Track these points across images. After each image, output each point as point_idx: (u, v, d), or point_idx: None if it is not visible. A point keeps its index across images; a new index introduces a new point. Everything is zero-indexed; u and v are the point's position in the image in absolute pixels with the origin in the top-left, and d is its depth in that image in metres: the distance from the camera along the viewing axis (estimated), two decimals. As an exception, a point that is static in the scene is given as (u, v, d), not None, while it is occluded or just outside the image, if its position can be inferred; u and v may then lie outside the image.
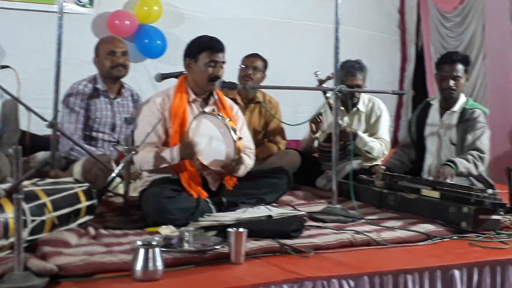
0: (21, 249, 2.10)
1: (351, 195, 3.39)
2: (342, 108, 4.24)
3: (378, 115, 4.41)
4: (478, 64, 6.05)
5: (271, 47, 5.65)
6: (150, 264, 2.14)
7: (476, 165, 3.72)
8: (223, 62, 3.33)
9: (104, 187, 3.03)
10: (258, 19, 6.13)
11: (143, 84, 5.31)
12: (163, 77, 3.81)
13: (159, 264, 2.16)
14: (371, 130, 4.40)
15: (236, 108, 3.57)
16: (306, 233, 2.81)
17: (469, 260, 2.51)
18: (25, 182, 2.31)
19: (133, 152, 3.03)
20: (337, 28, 3.38)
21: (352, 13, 6.21)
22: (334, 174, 3.34)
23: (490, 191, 3.03)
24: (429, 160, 4.06)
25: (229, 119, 3.15)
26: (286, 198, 3.69)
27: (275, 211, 3.01)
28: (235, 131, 3.09)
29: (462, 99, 4.03)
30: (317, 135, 4.31)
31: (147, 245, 2.18)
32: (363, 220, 3.16)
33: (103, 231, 2.81)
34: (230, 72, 3.94)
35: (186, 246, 2.45)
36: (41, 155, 3.85)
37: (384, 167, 3.85)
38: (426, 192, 3.29)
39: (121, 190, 3.34)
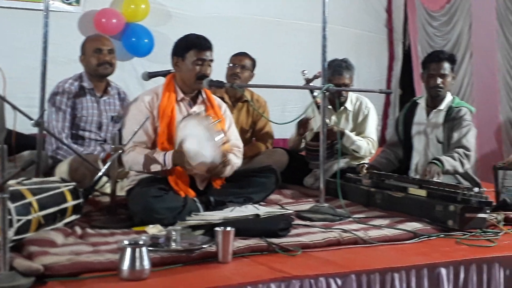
0: (6, 249, 2.09)
1: (338, 193, 3.39)
2: (330, 107, 4.25)
3: (366, 114, 4.42)
4: (465, 63, 6.09)
5: (259, 46, 5.65)
6: (137, 264, 2.14)
7: (462, 163, 3.74)
8: (211, 60, 3.33)
9: (90, 186, 3.02)
10: (246, 18, 6.13)
11: (130, 82, 5.29)
12: (150, 75, 3.80)
13: (146, 264, 2.15)
14: (359, 129, 4.41)
15: (224, 106, 3.56)
16: (293, 232, 2.82)
17: (456, 258, 2.52)
18: (11, 182, 2.29)
19: (120, 151, 3.02)
20: (324, 27, 3.38)
21: (339, 12, 6.23)
22: (322, 173, 3.34)
23: (476, 189, 3.04)
24: (416, 159, 4.07)
25: (216, 122, 3.13)
26: (274, 197, 3.69)
27: (263, 210, 3.01)
28: (221, 134, 3.09)
29: (448, 97, 4.05)
30: (305, 134, 4.31)
31: (134, 245, 2.17)
32: (351, 219, 3.17)
33: (89, 231, 2.80)
34: (218, 71, 3.94)
35: (173, 245, 2.44)
36: (27, 154, 3.82)
37: (367, 165, 3.86)
38: (413, 190, 3.30)
39: (108, 189, 3.32)
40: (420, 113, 4.11)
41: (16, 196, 2.48)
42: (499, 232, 2.92)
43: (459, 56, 6.04)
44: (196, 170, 3.17)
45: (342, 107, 4.39)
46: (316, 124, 4.29)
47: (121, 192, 3.29)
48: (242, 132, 4.26)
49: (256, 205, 3.17)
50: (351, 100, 4.45)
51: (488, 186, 3.63)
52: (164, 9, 5.77)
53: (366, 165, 3.88)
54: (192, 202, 3.10)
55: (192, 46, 3.29)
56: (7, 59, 4.55)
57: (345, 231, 2.82)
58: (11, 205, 2.39)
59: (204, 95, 3.42)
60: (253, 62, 4.49)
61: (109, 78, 4.08)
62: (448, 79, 3.99)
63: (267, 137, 4.50)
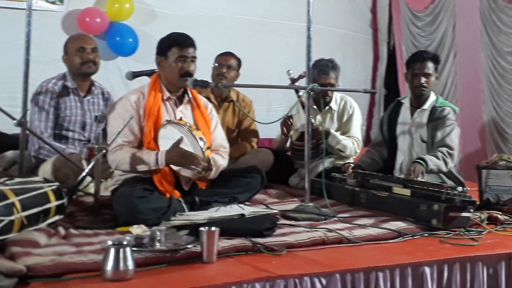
0: (-12, 250, 2.06)
1: (323, 193, 3.39)
2: (315, 106, 4.26)
3: (350, 114, 4.44)
4: (449, 63, 6.13)
5: (245, 46, 5.65)
6: (121, 264, 2.12)
7: (445, 162, 3.77)
8: (194, 57, 3.31)
9: (74, 186, 2.99)
10: (231, 17, 6.13)
11: (114, 82, 5.27)
12: (134, 75, 3.78)
13: (130, 264, 2.14)
14: (344, 128, 4.42)
15: (210, 106, 3.55)
16: (278, 231, 2.82)
17: (439, 257, 2.52)
18: (-7, 182, 2.27)
19: (103, 151, 3.00)
20: (309, 27, 3.39)
21: (324, 12, 6.24)
22: (307, 172, 3.35)
23: (460, 188, 3.06)
24: (401, 158, 4.09)
25: (196, 129, 3.12)
26: (259, 196, 3.69)
27: (248, 210, 3.00)
28: (203, 140, 3.08)
29: (432, 97, 4.07)
30: (289, 135, 4.31)
31: (118, 245, 2.15)
32: (335, 218, 3.18)
33: (73, 231, 2.78)
34: (204, 71, 3.93)
35: (157, 246, 2.43)
36: (10, 154, 3.79)
37: (352, 165, 3.87)
38: (398, 190, 3.32)
39: (92, 189, 3.30)
40: (405, 113, 4.14)
41: (-1, 196, 2.46)
42: (482, 231, 2.94)
43: (443, 56, 6.08)
44: (181, 173, 3.16)
45: (327, 107, 4.40)
46: (301, 123, 4.30)
47: (105, 192, 3.27)
48: (228, 132, 4.26)
49: (241, 205, 3.16)
50: (336, 100, 4.46)
51: (472, 185, 3.65)
52: (148, 8, 5.75)
53: (352, 165, 3.89)
54: (177, 203, 3.09)
55: (173, 44, 3.28)
56: (-11, 59, 4.54)
57: (330, 230, 2.82)
58: (-7, 206, 2.36)
59: (190, 95, 3.41)
60: (239, 62, 4.48)
61: (93, 78, 4.06)
62: (431, 79, 4.01)
63: (253, 137, 4.50)
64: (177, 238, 2.59)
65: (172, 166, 3.15)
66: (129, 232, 2.75)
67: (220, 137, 3.49)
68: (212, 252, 2.37)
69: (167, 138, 3.12)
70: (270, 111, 6.06)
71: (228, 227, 2.67)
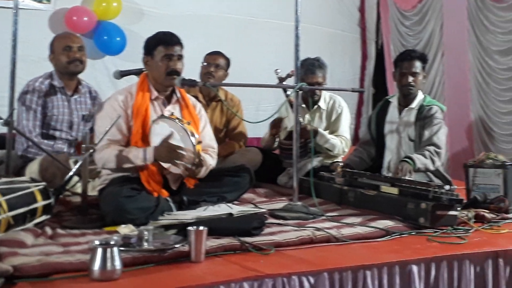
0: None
1: (311, 192, 3.40)
2: (303, 105, 4.26)
3: (339, 113, 4.44)
4: (437, 62, 6.16)
5: (233, 45, 5.63)
6: (108, 264, 2.11)
7: (433, 161, 3.78)
8: (180, 56, 3.30)
9: (61, 186, 2.97)
10: (219, 17, 6.12)
11: (102, 81, 5.25)
12: (122, 74, 3.75)
13: (118, 264, 2.13)
14: (332, 127, 4.43)
15: (199, 106, 3.54)
16: (267, 230, 2.81)
17: (427, 256, 2.53)
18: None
19: (91, 150, 2.98)
20: (297, 26, 3.39)
21: (313, 11, 6.25)
22: (295, 171, 3.35)
23: (447, 187, 3.07)
24: (389, 157, 4.11)
25: (187, 123, 3.11)
26: (247, 196, 3.69)
27: (236, 209, 3.00)
28: (194, 135, 3.06)
29: (420, 96, 4.09)
30: (278, 135, 4.32)
31: (105, 245, 2.14)
32: (324, 217, 3.18)
33: (60, 231, 2.76)
34: (192, 70, 3.92)
35: (145, 245, 2.42)
36: (-4, 154, 3.77)
37: (341, 164, 3.88)
38: (385, 188, 3.33)
39: (79, 189, 3.28)
40: (392, 112, 4.15)
41: (-15, 196, 2.45)
42: (469, 229, 2.95)
43: (431, 55, 6.11)
44: (172, 170, 3.14)
45: (316, 106, 4.40)
46: (290, 122, 4.30)
47: (92, 192, 3.25)
48: (216, 131, 4.25)
49: (229, 204, 3.16)
50: (325, 99, 4.47)
51: (459, 184, 3.67)
52: (136, 7, 5.73)
53: (341, 164, 3.89)
54: (165, 202, 3.08)
55: (159, 43, 3.27)
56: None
57: (318, 229, 2.82)
58: (-21, 206, 2.35)
59: (178, 94, 3.39)
60: (227, 61, 4.48)
61: (80, 76, 4.04)
62: (419, 78, 4.03)
63: (241, 136, 4.49)
64: (165, 238, 2.58)
65: (164, 164, 3.12)
66: (116, 232, 2.74)
67: (208, 137, 3.48)
68: (200, 251, 2.37)
69: (159, 134, 3.10)
70: (259, 110, 6.06)
71: (216, 227, 2.66)
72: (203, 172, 3.26)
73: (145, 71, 3.40)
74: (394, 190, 3.26)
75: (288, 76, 3.81)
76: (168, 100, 3.36)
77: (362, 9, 7.12)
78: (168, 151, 3.06)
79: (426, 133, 3.92)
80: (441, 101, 5.75)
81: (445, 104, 5.13)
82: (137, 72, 3.52)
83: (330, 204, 3.54)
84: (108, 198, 3.00)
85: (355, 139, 6.45)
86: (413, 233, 2.89)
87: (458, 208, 3.03)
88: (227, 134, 4.50)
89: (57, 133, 3.88)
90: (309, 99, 4.19)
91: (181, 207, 3.13)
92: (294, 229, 2.85)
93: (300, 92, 3.40)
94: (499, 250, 2.66)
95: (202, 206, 3.09)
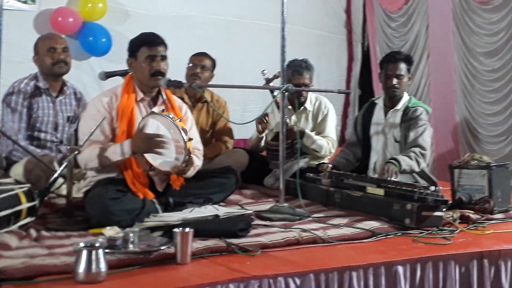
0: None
1: (298, 193, 3.40)
2: (290, 107, 4.27)
3: (325, 114, 4.46)
4: (423, 64, 6.19)
5: (219, 46, 5.64)
6: (93, 266, 2.09)
7: (418, 162, 3.80)
8: (164, 56, 3.28)
9: (46, 188, 2.95)
10: (206, 17, 6.11)
11: (87, 82, 5.22)
12: (107, 75, 3.74)
13: (103, 266, 2.12)
14: (318, 128, 4.44)
15: (185, 108, 3.52)
16: (253, 232, 2.81)
17: (412, 256, 2.54)
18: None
19: (76, 152, 2.96)
20: (283, 27, 3.39)
21: (299, 13, 6.26)
22: (281, 172, 3.35)
23: (432, 188, 3.08)
24: (375, 158, 4.12)
25: (179, 120, 3.10)
26: (234, 197, 3.69)
27: (222, 211, 2.99)
28: (185, 132, 3.04)
29: (405, 97, 4.11)
30: (264, 134, 4.32)
31: (90, 247, 2.13)
32: (310, 218, 3.18)
33: (45, 233, 2.74)
34: (178, 71, 3.91)
35: (130, 247, 2.40)
36: (-19, 156, 3.74)
37: (330, 165, 3.88)
38: (371, 189, 3.33)
39: (64, 191, 3.26)
40: (378, 113, 4.17)
41: (-32, 198, 2.43)
42: (455, 230, 2.96)
43: (417, 56, 6.15)
44: (161, 168, 3.11)
45: (302, 107, 4.41)
46: (276, 123, 4.30)
47: (77, 194, 3.24)
48: (202, 132, 4.24)
49: (215, 206, 3.16)
50: (311, 100, 4.48)
51: (445, 185, 3.69)
52: (122, 8, 5.71)
53: (330, 165, 3.90)
54: (150, 204, 3.07)
55: (142, 44, 3.25)
56: (-40, 59, 4.45)
57: (304, 230, 2.82)
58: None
59: (164, 96, 3.38)
60: (213, 62, 4.47)
61: (66, 77, 4.02)
62: (404, 80, 4.04)
63: (227, 138, 4.49)
64: (151, 240, 2.57)
65: (151, 161, 3.08)
66: (101, 234, 2.72)
67: (195, 139, 3.45)
68: (186, 253, 2.36)
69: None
70: (246, 112, 6.06)
71: (202, 228, 2.66)
72: (190, 172, 3.24)
73: (131, 73, 3.39)
74: (380, 191, 3.27)
75: (275, 77, 3.82)
76: (154, 102, 3.35)
77: (348, 11, 7.14)
78: (144, 141, 3.02)
79: (411, 135, 3.93)
80: (427, 103, 5.79)
81: (430, 106, 5.17)
82: (122, 73, 3.50)
83: (316, 205, 3.54)
84: (94, 200, 2.98)
85: (342, 140, 6.47)
86: (399, 234, 2.90)
87: (444, 209, 3.04)
88: (214, 136, 4.50)
89: (42, 135, 3.85)
90: (295, 100, 4.19)
91: (167, 208, 3.11)
92: (281, 230, 2.85)
93: (286, 93, 3.40)
94: (484, 251, 2.67)
95: (188, 207, 3.08)
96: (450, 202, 3.26)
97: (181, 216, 2.83)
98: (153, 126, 3.07)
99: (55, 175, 2.97)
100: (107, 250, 2.27)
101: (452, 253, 2.62)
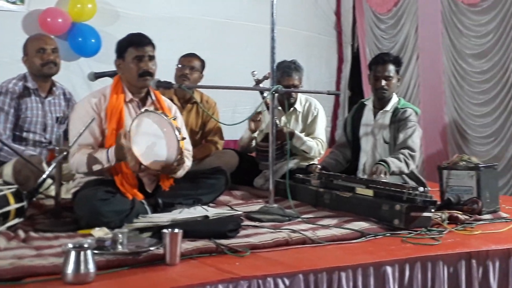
0: None
1: (287, 194, 3.40)
2: (280, 108, 4.27)
3: (315, 115, 4.46)
4: (412, 65, 6.22)
5: (209, 47, 5.64)
6: (82, 267, 2.09)
7: (407, 164, 3.81)
8: (152, 56, 3.27)
9: (34, 188, 2.94)
10: (195, 18, 6.11)
11: (77, 83, 5.21)
12: (96, 76, 3.73)
13: (91, 267, 2.11)
14: (308, 129, 4.45)
15: (174, 108, 3.52)
16: (242, 232, 2.81)
17: (401, 257, 2.55)
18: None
19: (64, 153, 2.95)
20: (273, 29, 3.39)
21: (289, 14, 6.28)
22: (271, 173, 3.35)
23: (421, 189, 3.09)
24: (364, 159, 4.13)
25: (173, 119, 3.09)
26: (223, 198, 3.68)
27: (212, 211, 2.99)
28: (179, 130, 3.04)
29: (394, 99, 4.12)
30: (255, 134, 4.32)
31: (79, 248, 2.13)
32: (299, 219, 3.18)
33: (33, 234, 2.73)
34: (167, 72, 3.90)
35: (119, 248, 2.40)
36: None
37: (319, 166, 3.89)
38: (361, 190, 3.34)
39: (53, 192, 3.24)
40: (367, 115, 4.18)
41: (-44, 199, 2.41)
42: (443, 231, 2.97)
43: (406, 58, 6.18)
44: (151, 167, 3.09)
45: (292, 108, 4.42)
46: (266, 124, 4.30)
47: (66, 195, 3.22)
48: (192, 133, 4.24)
49: (205, 207, 3.16)
50: (301, 101, 4.48)
51: (434, 185, 3.71)
52: (111, 9, 5.70)
53: (319, 166, 3.91)
54: (140, 205, 3.06)
55: (129, 45, 3.25)
56: None
57: (293, 231, 2.83)
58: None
59: (153, 97, 3.37)
60: (202, 63, 4.46)
61: (55, 78, 4.00)
62: (393, 81, 4.06)
63: (217, 139, 4.48)
64: (140, 241, 2.56)
65: (142, 160, 3.05)
66: (90, 235, 2.71)
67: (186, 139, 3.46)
68: (175, 254, 2.36)
69: (143, 134, 3.05)
70: (236, 113, 6.05)
71: (192, 229, 2.66)
72: (180, 172, 3.24)
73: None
74: (369, 192, 3.28)
75: (265, 78, 3.83)
76: (143, 103, 3.34)
77: (338, 13, 7.16)
78: (117, 150, 3.00)
79: (401, 136, 3.95)
80: (416, 104, 5.82)
81: (420, 107, 5.19)
82: (112, 74, 3.49)
83: (306, 206, 3.55)
84: (83, 201, 2.98)
85: (331, 141, 6.49)
86: (388, 234, 2.91)
87: (432, 210, 3.05)
88: (203, 137, 4.49)
89: (30, 136, 3.83)
90: (285, 102, 4.20)
91: (156, 209, 3.11)
92: (270, 231, 2.85)
93: (276, 94, 3.40)
94: (472, 251, 2.69)
95: (178, 208, 3.08)
96: (438, 202, 3.27)
97: (170, 217, 2.83)
98: (147, 124, 3.06)
99: (44, 176, 2.95)
100: (95, 251, 2.27)
101: (440, 253, 2.63)
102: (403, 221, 2.96)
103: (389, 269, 2.48)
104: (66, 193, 3.24)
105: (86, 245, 2.16)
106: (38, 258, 2.33)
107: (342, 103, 7.19)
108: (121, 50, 3.27)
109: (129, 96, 3.28)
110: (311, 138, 4.38)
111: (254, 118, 4.19)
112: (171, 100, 3.80)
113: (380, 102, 4.11)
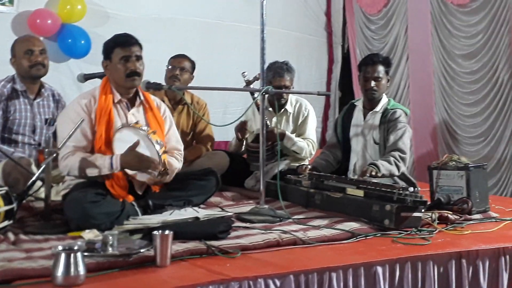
0: None
1: (278, 195, 3.40)
2: (270, 109, 4.27)
3: (306, 116, 4.47)
4: (402, 65, 6.24)
5: (199, 48, 5.64)
6: (72, 269, 2.08)
7: (397, 166, 3.81)
8: (139, 56, 3.25)
9: (24, 191, 2.92)
10: (185, 19, 6.10)
11: (66, 85, 5.19)
12: (86, 77, 3.72)
13: (81, 269, 2.10)
14: (299, 130, 4.45)
15: (164, 107, 3.50)
16: (233, 234, 2.81)
17: (392, 257, 2.55)
18: None
19: (54, 155, 2.94)
20: (262, 29, 3.38)
21: (279, 15, 6.29)
22: (262, 174, 3.35)
23: (411, 189, 3.09)
24: (354, 160, 4.14)
25: (153, 132, 3.09)
26: (214, 199, 3.68)
27: (202, 213, 2.99)
28: (160, 145, 3.04)
29: (384, 99, 4.13)
30: (244, 140, 4.32)
31: (69, 250, 2.12)
32: (290, 220, 3.18)
33: (23, 237, 2.72)
34: (157, 73, 3.89)
35: (110, 250, 2.39)
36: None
37: (309, 167, 3.89)
38: (351, 191, 3.34)
39: (42, 194, 3.23)
40: (358, 115, 4.18)
41: None
42: (433, 231, 2.98)
43: (396, 58, 6.20)
44: (137, 178, 3.11)
45: (282, 109, 4.42)
46: (256, 125, 4.30)
47: (56, 197, 3.21)
48: (183, 135, 4.22)
49: (195, 208, 3.15)
50: (291, 102, 4.49)
51: (424, 185, 3.72)
52: (101, 10, 5.67)
53: (309, 167, 3.90)
54: (130, 207, 3.05)
55: (116, 45, 3.23)
56: None
57: (284, 232, 2.83)
58: None
59: (142, 97, 3.35)
60: (193, 64, 4.46)
61: (45, 80, 3.98)
62: (382, 82, 4.06)
63: (208, 140, 4.47)
64: (130, 243, 2.55)
65: (128, 171, 3.09)
66: (80, 237, 2.71)
67: (175, 139, 3.45)
68: (166, 256, 2.35)
69: (122, 141, 3.08)
70: (226, 114, 6.05)
71: (182, 231, 2.65)
72: (168, 177, 3.23)
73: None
74: (360, 193, 3.28)
75: (255, 79, 3.83)
76: (131, 103, 3.32)
77: (328, 13, 7.17)
78: (136, 160, 3.04)
79: (391, 138, 3.94)
80: (406, 104, 5.85)
81: (410, 107, 5.21)
82: (101, 76, 3.47)
83: (297, 207, 3.55)
84: (73, 203, 2.95)
85: (322, 142, 6.50)
86: (378, 234, 2.91)
87: (422, 210, 3.06)
88: (194, 138, 4.48)
89: (19, 138, 3.81)
90: (276, 102, 4.20)
91: (146, 211, 3.10)
92: (261, 232, 2.85)
93: (267, 95, 3.40)
94: (462, 251, 2.70)
95: (168, 210, 3.06)
96: (428, 203, 3.28)
97: (160, 219, 2.82)
98: (129, 138, 3.06)
99: (33, 178, 2.94)
100: (86, 253, 2.26)
101: (430, 253, 2.64)
102: (394, 221, 2.97)
103: (379, 269, 2.49)
104: (56, 195, 3.23)
105: (76, 248, 2.16)
106: (28, 260, 2.32)
107: (332, 103, 7.20)
108: (107, 51, 3.26)
109: (118, 97, 3.26)
110: (302, 138, 4.38)
111: (240, 127, 4.19)
112: (162, 101, 3.78)
113: (370, 103, 4.11)
